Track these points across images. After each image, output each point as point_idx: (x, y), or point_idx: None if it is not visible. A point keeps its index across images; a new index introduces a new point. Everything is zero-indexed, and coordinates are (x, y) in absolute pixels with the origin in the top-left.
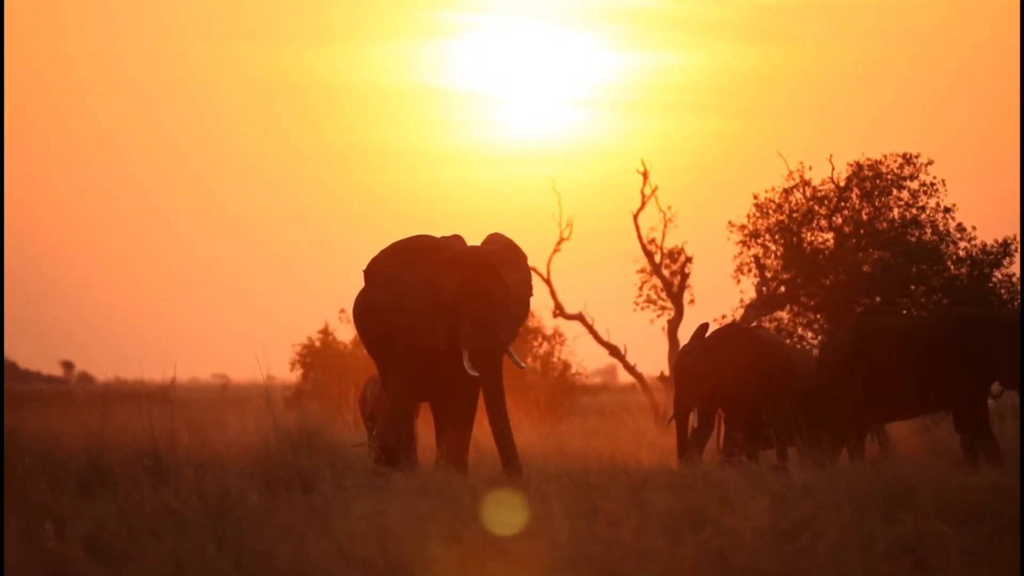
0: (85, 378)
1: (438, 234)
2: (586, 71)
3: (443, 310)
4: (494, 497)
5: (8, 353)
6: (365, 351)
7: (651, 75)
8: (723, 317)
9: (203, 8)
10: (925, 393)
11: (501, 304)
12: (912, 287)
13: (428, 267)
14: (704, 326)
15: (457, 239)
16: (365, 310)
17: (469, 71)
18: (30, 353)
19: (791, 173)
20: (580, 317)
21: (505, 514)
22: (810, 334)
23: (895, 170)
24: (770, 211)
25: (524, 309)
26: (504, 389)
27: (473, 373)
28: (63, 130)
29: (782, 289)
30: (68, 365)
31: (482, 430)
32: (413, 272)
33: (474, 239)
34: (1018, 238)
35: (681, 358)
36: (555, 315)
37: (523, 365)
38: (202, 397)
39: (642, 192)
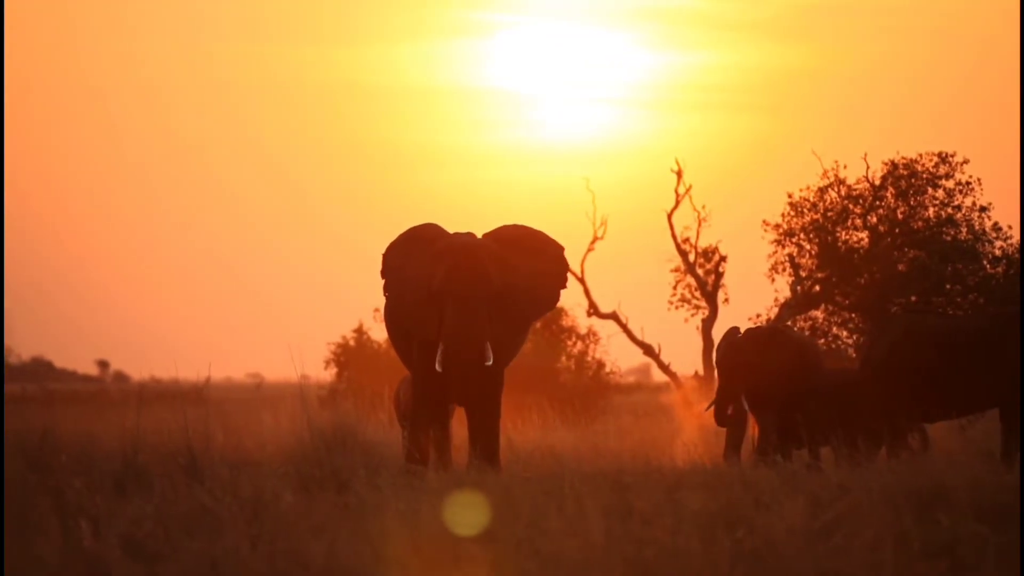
0: (120, 377)
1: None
2: (620, 70)
3: (434, 302)
4: (456, 498)
5: (44, 352)
6: None
7: (685, 74)
8: (757, 316)
9: (236, 8)
10: (972, 392)
11: (479, 298)
12: (947, 286)
13: (424, 257)
14: (735, 329)
15: (468, 235)
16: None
17: (503, 70)
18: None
19: (825, 172)
20: (614, 316)
21: (467, 515)
22: (845, 333)
23: (930, 169)
24: (805, 210)
25: (536, 302)
26: (496, 384)
27: (437, 368)
28: (97, 132)
29: (817, 288)
30: (103, 364)
31: (514, 427)
32: (412, 263)
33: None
34: None
35: (718, 358)
36: (589, 314)
37: (489, 361)
38: (236, 396)
39: (676, 191)
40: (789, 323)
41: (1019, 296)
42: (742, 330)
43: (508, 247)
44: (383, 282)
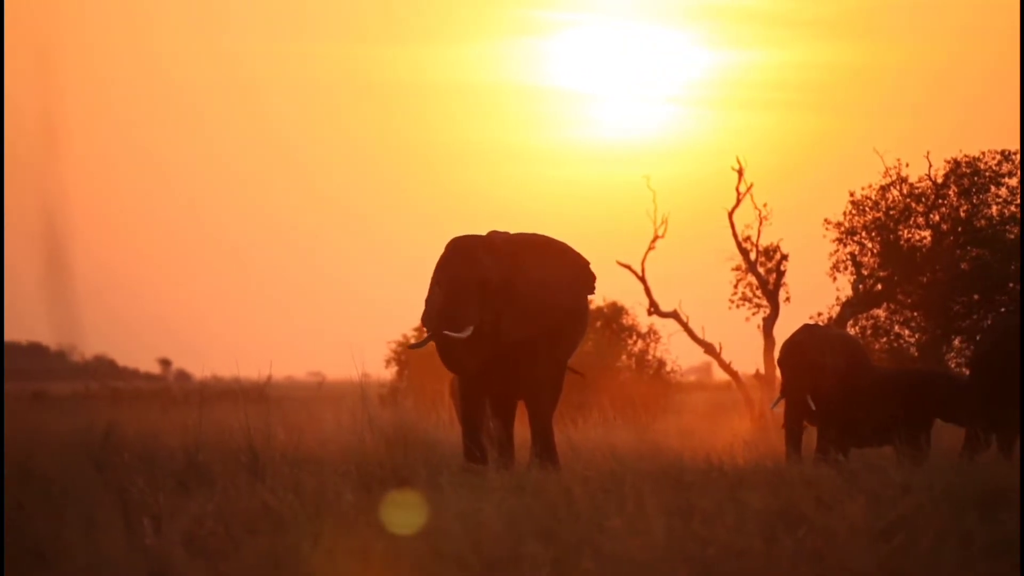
0: (182, 376)
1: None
2: (680, 68)
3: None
4: (391, 498)
5: (106, 350)
6: None
7: (746, 72)
8: (819, 315)
9: (298, 8)
10: None
11: (463, 280)
12: (1010, 285)
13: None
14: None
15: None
16: None
17: (564, 69)
18: (128, 350)
19: (888, 170)
20: (675, 315)
21: (401, 515)
22: (907, 332)
23: (993, 167)
24: (867, 208)
25: (555, 308)
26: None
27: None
28: (159, 133)
29: (879, 287)
30: (166, 363)
31: (574, 426)
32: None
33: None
34: None
35: (782, 357)
36: (650, 313)
37: (462, 334)
38: (298, 395)
39: (737, 190)
40: (851, 322)
41: None
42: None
43: (521, 248)
44: None
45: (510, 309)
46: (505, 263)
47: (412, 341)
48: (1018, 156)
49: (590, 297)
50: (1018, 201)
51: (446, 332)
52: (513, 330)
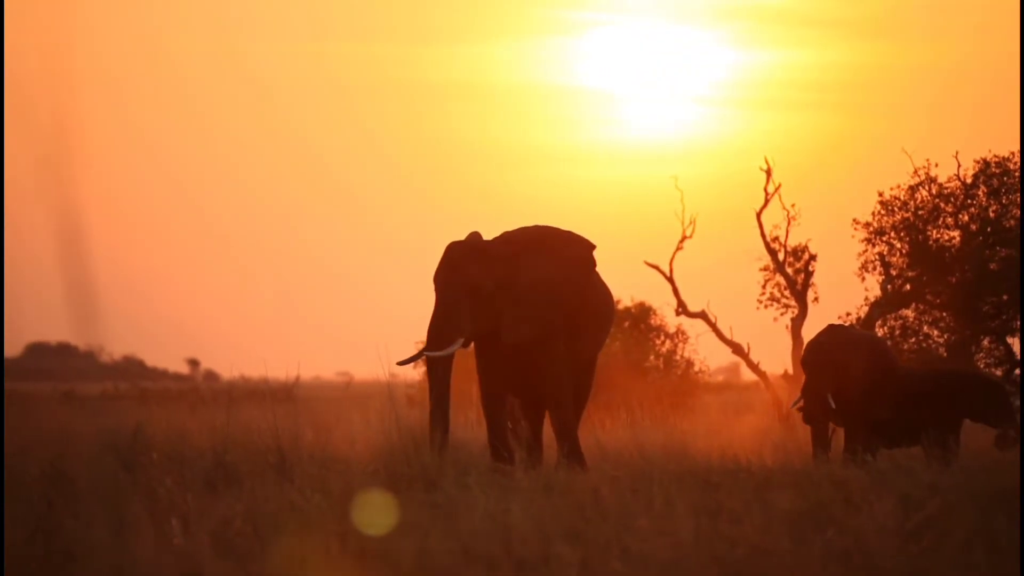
0: (210, 376)
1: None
2: (709, 68)
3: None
4: (363, 498)
5: (136, 351)
6: None
7: (774, 72)
8: (847, 315)
9: (329, 9)
10: None
11: (451, 290)
12: None
13: None
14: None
15: (471, 235)
16: None
17: (593, 69)
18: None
19: (916, 170)
20: (703, 315)
21: (373, 515)
22: (936, 332)
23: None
24: (895, 208)
25: (545, 308)
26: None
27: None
28: (187, 132)
29: (907, 287)
30: (194, 363)
31: (602, 426)
32: None
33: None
34: None
35: (805, 357)
36: (678, 313)
37: (445, 350)
38: (325, 395)
39: (765, 190)
40: (880, 322)
41: None
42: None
43: (518, 248)
44: None
45: (508, 312)
46: (499, 266)
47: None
48: None
49: (616, 298)
50: None
51: (427, 352)
52: (512, 333)
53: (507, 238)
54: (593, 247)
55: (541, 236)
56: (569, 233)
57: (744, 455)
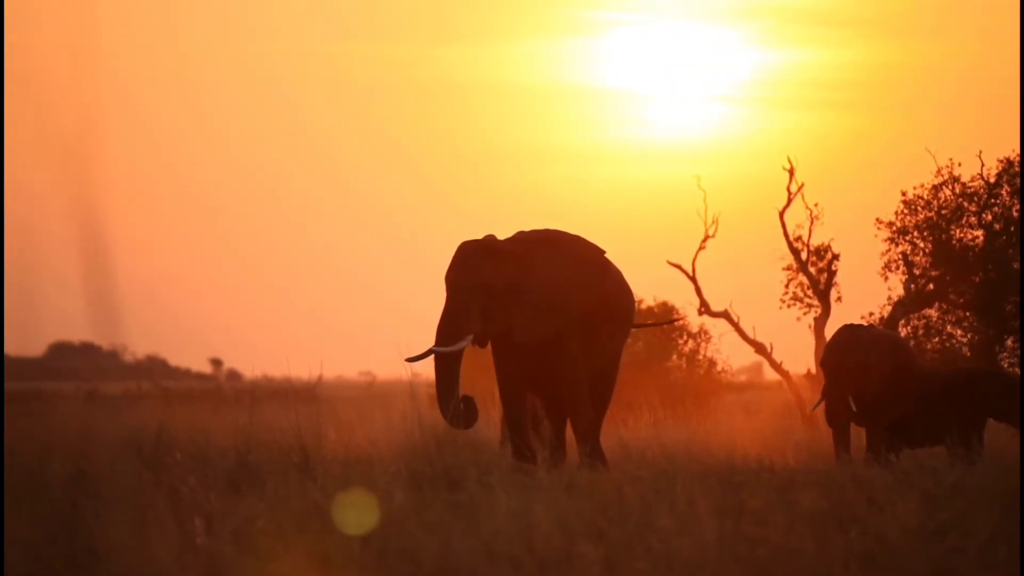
0: (233, 375)
1: (581, 233)
2: (732, 68)
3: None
4: (343, 499)
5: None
6: None
7: (797, 71)
8: (870, 315)
9: (349, 8)
10: None
11: (463, 288)
12: None
13: None
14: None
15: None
16: None
17: (614, 69)
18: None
19: (940, 169)
20: (726, 315)
21: (353, 515)
22: (959, 332)
23: None
24: (918, 208)
25: (555, 307)
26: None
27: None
28: (209, 133)
29: (931, 287)
30: (217, 362)
31: (624, 425)
32: None
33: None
34: None
35: (825, 357)
36: (700, 313)
37: (453, 347)
38: (348, 394)
39: (788, 189)
40: (903, 322)
41: None
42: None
43: (530, 248)
44: None
45: (519, 311)
46: (510, 265)
47: None
48: None
49: (639, 297)
50: None
51: (435, 348)
52: (523, 332)
53: (519, 238)
54: (602, 252)
55: (551, 238)
56: (579, 237)
57: (767, 455)
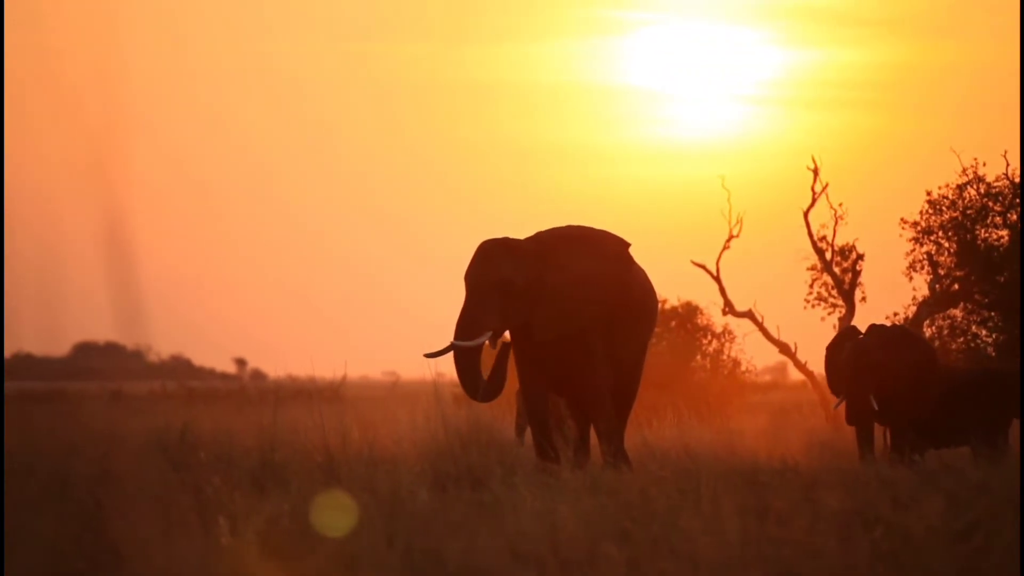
0: (258, 375)
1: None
2: (756, 67)
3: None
4: (322, 499)
5: (183, 350)
6: None
7: (821, 71)
8: (895, 315)
9: (373, 7)
10: None
11: (482, 286)
12: None
13: None
14: (853, 328)
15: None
16: None
17: (639, 68)
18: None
19: (964, 169)
20: (750, 315)
21: (331, 516)
22: (984, 332)
23: None
24: (943, 208)
25: (576, 305)
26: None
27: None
28: (231, 133)
29: (956, 287)
30: (241, 362)
31: (648, 426)
32: None
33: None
34: None
35: (846, 357)
36: (724, 313)
37: (471, 343)
38: (372, 394)
39: (812, 189)
40: (928, 322)
41: None
42: (860, 329)
43: (550, 245)
44: None
45: (539, 309)
46: (531, 263)
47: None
48: None
49: (663, 297)
50: None
51: (455, 343)
52: (543, 330)
53: (539, 237)
54: (628, 245)
55: (573, 234)
56: (603, 232)
57: (791, 455)
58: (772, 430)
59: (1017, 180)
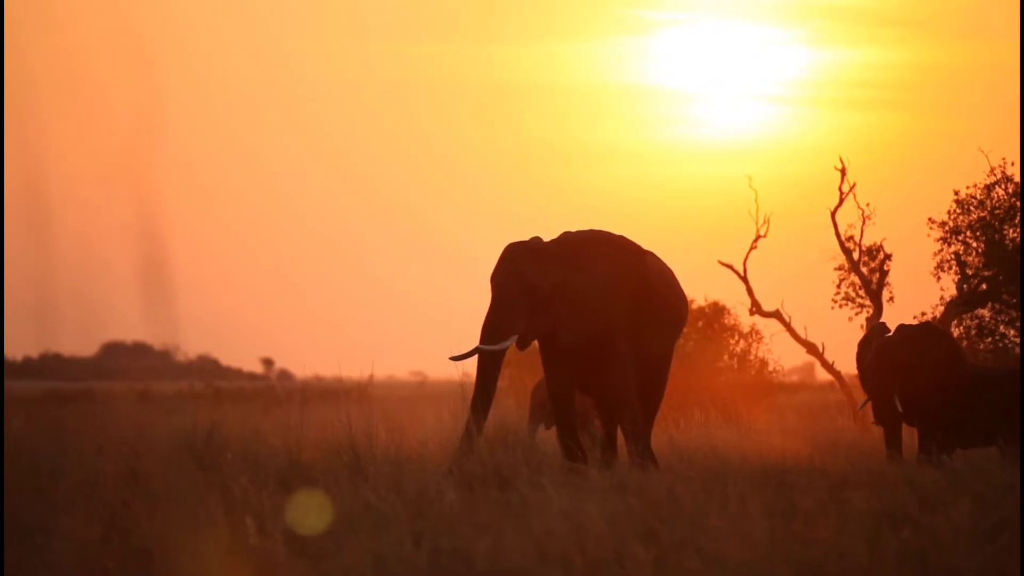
0: (285, 375)
1: (633, 233)
2: (783, 67)
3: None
4: (296, 499)
5: (210, 350)
6: None
7: (848, 71)
8: (923, 315)
9: (400, 8)
10: None
11: (507, 290)
12: None
13: None
14: (883, 326)
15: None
16: None
17: (666, 68)
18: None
19: (993, 169)
20: (777, 315)
21: (308, 516)
22: (1012, 332)
23: None
24: (971, 207)
25: (599, 309)
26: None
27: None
28: (256, 134)
29: (983, 287)
30: (268, 362)
31: (676, 426)
32: None
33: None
34: None
35: (872, 357)
36: (752, 313)
37: (498, 346)
38: (399, 394)
39: (840, 189)
40: (955, 322)
41: None
42: (890, 327)
43: (575, 249)
44: None
45: (564, 312)
46: (555, 267)
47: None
48: None
49: (690, 297)
50: None
51: (480, 346)
52: (568, 333)
53: (564, 240)
54: (643, 253)
55: (597, 237)
56: (622, 237)
57: (819, 455)
58: (799, 430)
59: None
